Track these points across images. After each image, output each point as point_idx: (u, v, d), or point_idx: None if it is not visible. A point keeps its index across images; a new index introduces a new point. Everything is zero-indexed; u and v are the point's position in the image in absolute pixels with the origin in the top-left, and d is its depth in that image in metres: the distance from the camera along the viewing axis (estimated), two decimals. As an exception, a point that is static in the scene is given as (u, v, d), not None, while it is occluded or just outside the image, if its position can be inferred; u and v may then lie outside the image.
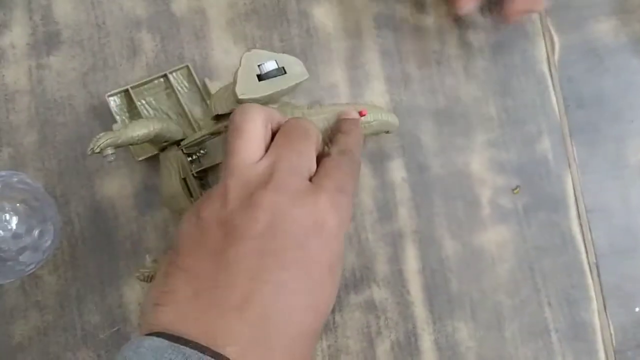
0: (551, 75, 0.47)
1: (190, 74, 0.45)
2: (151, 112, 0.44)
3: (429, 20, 0.47)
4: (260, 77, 0.36)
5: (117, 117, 0.44)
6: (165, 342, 0.25)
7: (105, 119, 0.45)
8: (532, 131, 0.47)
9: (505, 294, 0.45)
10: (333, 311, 0.44)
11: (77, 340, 0.44)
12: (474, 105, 0.47)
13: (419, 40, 0.47)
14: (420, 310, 0.45)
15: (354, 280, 0.45)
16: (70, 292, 0.44)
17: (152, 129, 0.37)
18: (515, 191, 0.46)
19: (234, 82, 0.36)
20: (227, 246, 0.27)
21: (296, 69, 0.37)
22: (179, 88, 0.44)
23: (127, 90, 0.44)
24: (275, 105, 0.38)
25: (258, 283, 0.27)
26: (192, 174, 0.41)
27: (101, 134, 0.35)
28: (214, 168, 0.40)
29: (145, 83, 0.44)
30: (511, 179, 0.46)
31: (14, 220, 0.39)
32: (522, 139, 0.47)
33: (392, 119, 0.42)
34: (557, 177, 0.46)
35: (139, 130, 0.36)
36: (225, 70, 0.46)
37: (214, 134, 0.39)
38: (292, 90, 0.38)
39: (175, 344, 0.25)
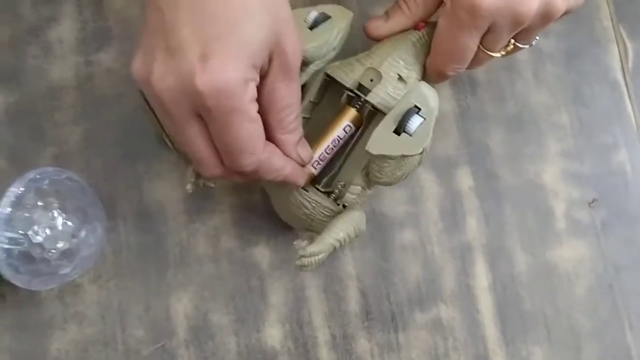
0: (626, 83, 0.45)
1: None
2: None
3: (496, 24, 0.45)
4: (310, 28, 0.37)
5: None
6: None
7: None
8: (607, 142, 0.44)
9: (583, 315, 0.42)
10: (396, 330, 0.41)
11: (119, 355, 0.40)
12: (545, 112, 0.44)
13: (485, 45, 0.45)
14: (491, 331, 0.41)
15: (419, 296, 0.42)
16: (113, 303, 0.41)
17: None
18: (591, 204, 0.43)
19: None
20: None
21: (338, 11, 0.38)
22: None
23: None
24: (337, 63, 0.37)
25: None
26: None
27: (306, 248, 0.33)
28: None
29: None
30: (587, 191, 0.43)
31: (61, 219, 0.36)
32: (597, 149, 0.44)
33: None
34: (636, 191, 0.43)
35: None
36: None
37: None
38: (345, 33, 0.37)
39: None
